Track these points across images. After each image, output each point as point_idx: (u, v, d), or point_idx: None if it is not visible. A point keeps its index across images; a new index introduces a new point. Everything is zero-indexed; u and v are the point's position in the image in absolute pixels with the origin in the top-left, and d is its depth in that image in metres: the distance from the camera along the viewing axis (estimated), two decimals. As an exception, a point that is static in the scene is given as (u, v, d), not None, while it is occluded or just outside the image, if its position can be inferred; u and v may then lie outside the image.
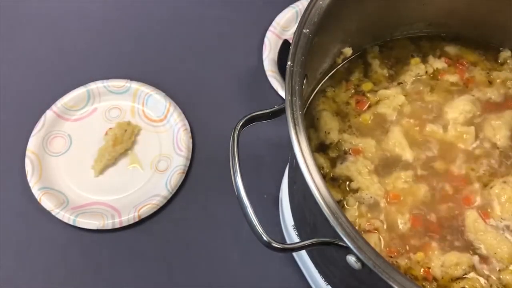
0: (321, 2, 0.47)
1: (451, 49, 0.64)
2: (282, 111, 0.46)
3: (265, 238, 0.44)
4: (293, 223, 0.65)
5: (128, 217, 0.70)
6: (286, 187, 0.66)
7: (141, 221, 0.72)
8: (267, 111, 0.47)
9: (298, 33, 0.45)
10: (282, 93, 0.80)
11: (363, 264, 0.40)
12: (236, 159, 0.45)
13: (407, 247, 0.53)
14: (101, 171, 0.74)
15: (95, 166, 0.74)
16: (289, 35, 0.86)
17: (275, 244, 0.44)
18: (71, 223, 0.69)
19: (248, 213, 0.44)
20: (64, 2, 0.91)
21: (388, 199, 0.54)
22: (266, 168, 0.77)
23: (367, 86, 0.61)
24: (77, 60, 0.86)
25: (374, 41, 0.63)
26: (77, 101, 0.79)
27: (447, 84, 0.61)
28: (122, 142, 0.75)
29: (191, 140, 0.77)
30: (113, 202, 0.73)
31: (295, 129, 0.42)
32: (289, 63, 0.44)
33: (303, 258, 0.64)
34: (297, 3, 0.88)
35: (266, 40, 0.85)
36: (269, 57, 0.83)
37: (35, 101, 0.80)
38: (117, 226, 0.70)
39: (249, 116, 0.46)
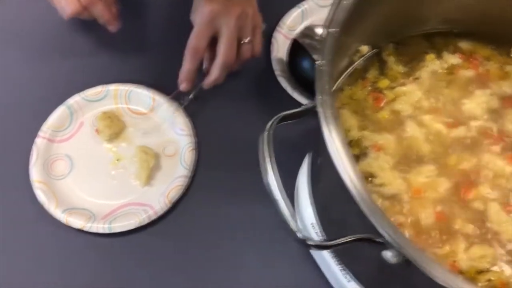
0: (345, 2, 0.48)
1: (464, 45, 0.65)
2: (311, 110, 0.46)
3: (300, 236, 0.44)
4: (312, 221, 0.65)
5: (160, 206, 0.71)
6: (302, 186, 0.67)
7: (156, 221, 0.72)
8: (297, 110, 0.47)
9: (326, 32, 0.46)
10: (291, 92, 0.81)
11: (402, 259, 0.41)
12: (268, 159, 0.45)
13: (432, 242, 0.53)
14: (149, 177, 0.75)
15: (141, 177, 0.75)
16: (295, 34, 0.86)
17: (310, 242, 0.44)
18: (107, 231, 0.70)
19: (284, 212, 0.44)
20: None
21: (411, 194, 0.55)
22: (280, 168, 0.77)
23: (383, 83, 0.62)
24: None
25: (388, 39, 0.63)
26: (61, 120, 0.78)
27: (463, 78, 0.61)
28: (116, 127, 0.77)
29: (187, 119, 0.78)
30: (138, 199, 0.73)
31: (328, 127, 0.42)
32: (318, 62, 0.44)
33: (322, 255, 0.64)
34: (302, 2, 0.88)
35: (273, 40, 0.85)
36: (277, 57, 0.84)
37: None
38: (153, 217, 0.71)
39: (280, 116, 0.47)
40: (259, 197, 0.74)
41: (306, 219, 0.66)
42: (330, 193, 0.51)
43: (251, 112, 0.82)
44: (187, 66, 0.72)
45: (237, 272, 0.71)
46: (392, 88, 0.61)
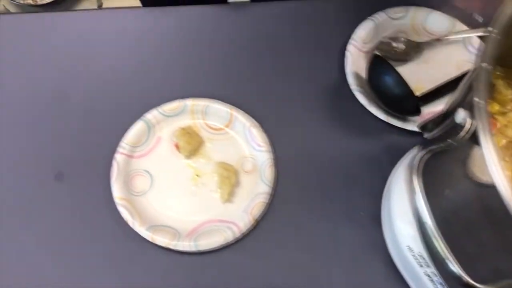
0: (493, 35, 0.47)
1: None
2: (463, 145, 0.45)
3: (452, 268, 0.43)
4: (408, 243, 0.64)
5: (244, 223, 0.70)
6: (392, 204, 0.66)
7: (240, 238, 0.71)
8: (445, 146, 0.46)
9: (480, 69, 0.45)
10: (368, 106, 0.80)
11: None
12: (416, 183, 0.44)
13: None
14: (230, 194, 0.74)
15: (223, 193, 0.74)
16: (370, 48, 0.85)
17: (465, 279, 0.43)
18: (193, 249, 0.69)
19: (432, 236, 0.43)
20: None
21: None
22: (360, 185, 0.77)
23: (493, 107, 0.61)
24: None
25: (496, 62, 0.62)
26: (139, 135, 0.77)
27: None
28: (196, 143, 0.76)
29: (265, 135, 0.77)
30: (220, 216, 0.73)
31: (493, 162, 0.41)
32: (476, 100, 0.43)
33: (421, 279, 0.64)
34: (374, 15, 0.87)
35: (347, 53, 0.84)
36: (352, 70, 0.83)
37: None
38: (238, 235, 0.70)
39: (429, 151, 0.45)
40: (342, 213, 0.75)
41: (400, 239, 0.66)
42: (466, 227, 0.50)
43: (327, 126, 0.82)
44: None
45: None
46: (504, 113, 0.60)
